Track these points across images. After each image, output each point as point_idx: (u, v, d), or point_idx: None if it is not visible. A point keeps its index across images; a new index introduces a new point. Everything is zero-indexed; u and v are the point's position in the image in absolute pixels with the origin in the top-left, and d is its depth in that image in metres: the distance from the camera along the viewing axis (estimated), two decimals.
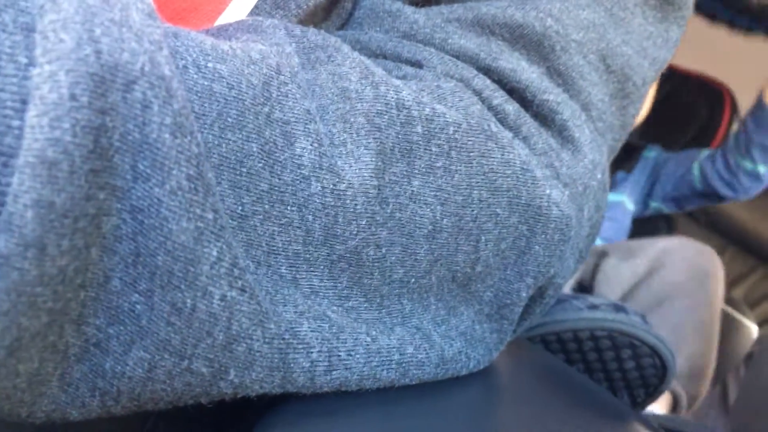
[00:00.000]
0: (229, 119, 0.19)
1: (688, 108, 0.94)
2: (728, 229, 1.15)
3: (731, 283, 1.18)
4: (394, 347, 0.24)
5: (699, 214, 0.95)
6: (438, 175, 0.23)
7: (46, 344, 0.16)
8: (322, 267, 0.22)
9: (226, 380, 0.19)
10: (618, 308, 0.50)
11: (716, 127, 0.91)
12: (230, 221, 0.19)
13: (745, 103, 0.97)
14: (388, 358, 0.24)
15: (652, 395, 0.50)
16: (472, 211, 0.24)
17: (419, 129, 0.23)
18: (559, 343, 0.49)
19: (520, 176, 0.25)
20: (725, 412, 0.67)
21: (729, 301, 0.95)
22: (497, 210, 0.25)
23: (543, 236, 0.27)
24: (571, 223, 0.28)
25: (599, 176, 0.31)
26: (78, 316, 0.16)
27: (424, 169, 0.23)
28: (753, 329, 0.95)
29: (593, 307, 0.49)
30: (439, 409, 0.26)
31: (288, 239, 0.21)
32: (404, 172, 0.23)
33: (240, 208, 0.19)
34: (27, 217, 0.14)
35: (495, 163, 0.25)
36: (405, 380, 0.25)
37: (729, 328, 0.94)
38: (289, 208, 0.20)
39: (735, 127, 0.93)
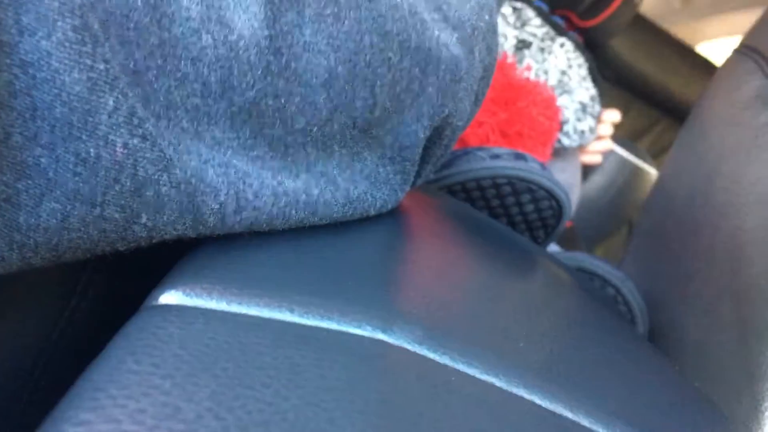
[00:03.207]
0: None
1: None
2: (634, 83, 1.20)
3: (637, 135, 1.24)
4: (300, 189, 0.26)
5: (606, 70, 0.97)
6: (328, 22, 0.24)
7: None
8: (223, 119, 0.22)
9: (139, 224, 0.20)
10: (518, 156, 0.53)
11: None
12: (124, 77, 0.19)
13: None
14: (295, 199, 0.25)
15: (550, 234, 0.55)
16: (365, 56, 0.25)
17: None
18: (464, 192, 0.52)
19: (409, 20, 0.26)
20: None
21: (634, 151, 1.01)
22: (389, 54, 0.26)
23: (435, 78, 0.28)
24: (462, 64, 0.30)
25: (487, 17, 0.32)
26: None
27: (314, 17, 0.23)
28: (655, 176, 1.00)
29: (495, 156, 0.52)
30: (351, 241, 0.28)
31: (185, 93, 0.21)
32: (295, 22, 0.23)
33: (132, 63, 0.20)
34: None
35: (383, 8, 0.25)
36: (315, 219, 0.27)
37: (634, 176, 1.00)
38: (183, 62, 0.21)
39: None
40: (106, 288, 0.30)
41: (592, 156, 0.92)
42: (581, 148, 0.91)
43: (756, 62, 0.58)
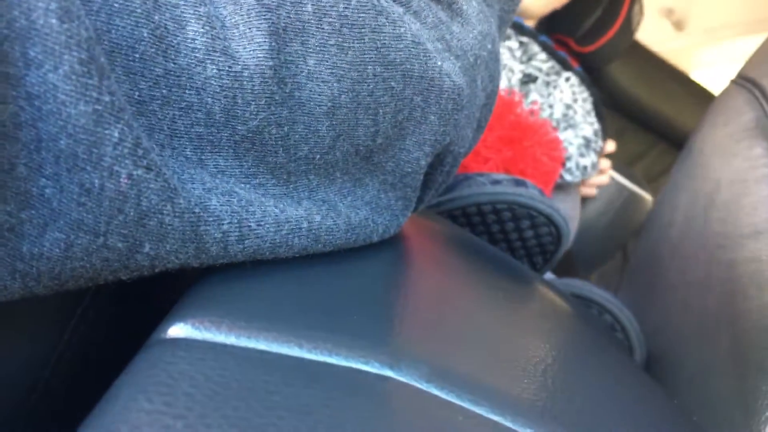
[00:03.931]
0: (116, 5, 0.19)
1: None
2: (630, 108, 1.21)
3: (633, 160, 1.25)
4: (302, 217, 0.26)
5: (602, 95, 0.98)
6: (332, 52, 0.24)
7: None
8: (226, 147, 0.23)
9: (142, 253, 0.20)
10: (518, 182, 0.53)
11: (619, 7, 0.93)
12: (128, 107, 0.19)
13: None
14: (297, 226, 0.25)
15: (549, 261, 0.55)
16: (368, 85, 0.25)
17: (309, 8, 0.23)
18: (464, 217, 0.52)
19: (412, 50, 0.26)
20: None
21: (630, 176, 1.01)
22: (392, 83, 0.26)
23: (437, 106, 0.29)
24: (464, 93, 0.30)
25: (489, 47, 0.32)
26: None
27: (318, 48, 0.24)
28: (651, 201, 1.01)
29: (496, 182, 0.53)
30: (355, 270, 0.28)
31: (190, 122, 0.21)
32: (299, 52, 0.23)
33: (137, 93, 0.20)
34: None
35: (387, 38, 0.25)
36: (318, 246, 0.27)
37: (630, 202, 1.00)
38: (187, 91, 0.21)
39: (637, 7, 0.95)
40: (106, 312, 0.30)
41: (589, 189, 0.93)
42: (582, 181, 0.92)
43: (752, 94, 0.59)
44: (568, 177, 0.81)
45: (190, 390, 0.16)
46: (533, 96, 0.80)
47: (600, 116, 0.87)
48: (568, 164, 0.81)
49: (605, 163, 0.92)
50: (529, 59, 0.83)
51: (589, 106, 0.85)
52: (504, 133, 0.71)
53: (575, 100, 0.83)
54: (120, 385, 0.16)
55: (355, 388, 0.18)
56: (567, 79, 0.84)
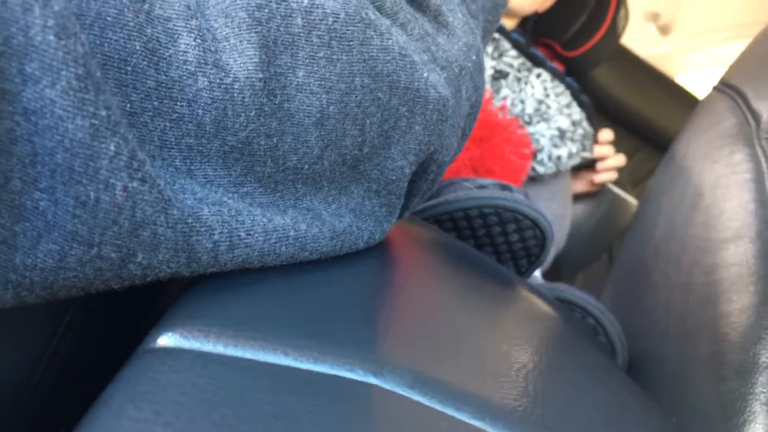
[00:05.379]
0: (109, 18, 0.19)
1: None
2: (614, 112, 1.22)
3: None
4: (289, 225, 0.26)
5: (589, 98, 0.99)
6: (321, 65, 0.24)
7: None
8: (215, 158, 0.23)
9: (135, 263, 0.21)
10: (504, 187, 0.54)
11: (605, 11, 0.94)
12: (123, 120, 0.19)
13: None
14: (284, 235, 0.26)
15: (534, 264, 0.56)
16: (356, 97, 0.26)
17: (299, 21, 0.24)
18: (451, 221, 0.53)
19: (399, 61, 0.27)
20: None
21: (615, 181, 1.02)
22: (379, 94, 0.27)
23: (422, 117, 0.29)
24: (449, 103, 0.30)
25: (474, 58, 0.33)
26: None
27: (307, 60, 0.24)
28: (635, 205, 1.02)
29: (481, 187, 0.53)
30: (341, 278, 0.28)
31: (180, 133, 0.22)
32: (288, 64, 0.24)
33: (128, 105, 0.20)
34: None
35: (374, 50, 0.26)
36: (305, 254, 0.27)
37: (614, 205, 1.01)
38: (178, 103, 0.21)
39: (622, 11, 0.96)
40: (94, 318, 0.30)
41: (606, 174, 0.94)
42: (593, 168, 0.93)
43: (734, 100, 0.60)
44: (540, 169, 0.81)
45: (178, 398, 0.16)
46: (504, 92, 0.81)
47: (582, 105, 0.87)
48: (540, 156, 0.81)
49: (604, 150, 0.92)
50: (500, 55, 0.83)
51: (565, 99, 0.85)
52: (474, 132, 0.72)
53: (547, 96, 0.84)
54: (109, 394, 0.16)
55: (340, 395, 0.19)
56: (538, 75, 0.84)
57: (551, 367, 0.30)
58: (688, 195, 0.59)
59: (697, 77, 1.59)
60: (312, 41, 0.24)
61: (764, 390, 0.41)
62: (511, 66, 0.83)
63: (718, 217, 0.52)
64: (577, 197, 0.99)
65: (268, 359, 0.19)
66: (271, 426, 0.16)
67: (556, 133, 0.82)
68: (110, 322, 0.31)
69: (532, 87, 0.83)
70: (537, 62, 0.86)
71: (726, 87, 0.62)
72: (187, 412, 0.16)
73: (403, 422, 0.19)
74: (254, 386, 0.18)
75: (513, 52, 0.84)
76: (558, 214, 0.86)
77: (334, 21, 0.25)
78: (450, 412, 0.20)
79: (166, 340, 0.19)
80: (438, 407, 0.20)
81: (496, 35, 0.84)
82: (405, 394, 0.20)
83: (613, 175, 0.95)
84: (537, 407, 0.24)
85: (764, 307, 0.44)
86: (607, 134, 0.94)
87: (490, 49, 0.83)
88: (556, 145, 0.82)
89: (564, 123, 0.83)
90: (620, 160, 0.94)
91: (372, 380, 0.20)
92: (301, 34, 0.24)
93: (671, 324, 0.53)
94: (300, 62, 0.24)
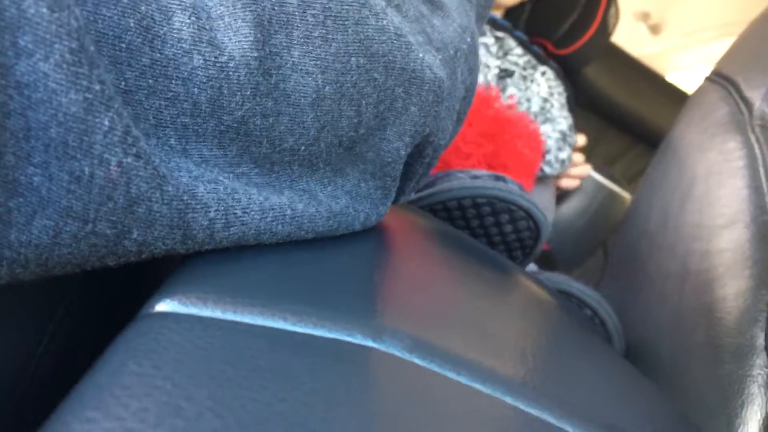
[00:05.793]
0: None
1: None
2: (608, 110, 1.23)
3: (611, 161, 1.27)
4: (286, 204, 0.26)
5: (580, 97, 1.00)
6: (316, 44, 0.24)
7: None
8: (211, 137, 0.23)
9: (130, 239, 0.20)
10: (497, 177, 0.54)
11: (595, 10, 0.95)
12: (117, 96, 0.19)
13: None
14: (281, 214, 0.26)
15: (528, 255, 0.56)
16: (352, 77, 0.26)
17: (294, 0, 0.24)
18: (445, 211, 0.53)
19: (395, 42, 0.27)
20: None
21: (608, 175, 1.03)
22: (375, 75, 0.27)
23: (418, 98, 0.29)
24: (444, 85, 0.30)
25: (469, 40, 0.33)
26: None
27: (302, 39, 0.24)
28: (629, 200, 1.02)
29: (475, 177, 0.53)
30: (338, 255, 0.28)
31: (175, 112, 0.22)
32: (284, 44, 0.24)
33: (123, 83, 0.20)
34: None
35: (370, 30, 0.26)
36: (301, 233, 0.27)
37: (609, 200, 1.02)
38: (173, 82, 0.21)
39: (612, 9, 0.97)
40: (90, 304, 0.30)
41: (571, 181, 0.94)
42: (563, 174, 0.93)
43: (726, 90, 0.60)
44: (548, 170, 0.82)
45: (178, 356, 0.16)
46: (510, 90, 0.81)
47: (571, 111, 0.88)
48: (548, 157, 0.82)
49: (579, 157, 0.93)
50: (505, 54, 0.84)
51: (563, 99, 0.86)
52: (484, 128, 0.72)
53: (551, 94, 0.84)
54: (110, 352, 0.16)
55: (339, 356, 0.19)
56: (543, 73, 0.85)
57: (550, 344, 0.30)
58: (682, 184, 0.59)
59: (687, 76, 1.60)
60: (307, 20, 0.24)
61: (761, 372, 0.41)
62: (516, 64, 0.83)
63: (711, 204, 0.53)
64: (572, 193, 0.99)
65: (267, 323, 0.19)
66: (269, 380, 0.16)
67: (559, 136, 0.83)
68: (108, 307, 0.31)
69: (538, 85, 0.84)
70: (540, 59, 0.86)
71: (718, 77, 0.62)
72: (187, 367, 0.16)
73: (401, 382, 0.19)
74: (252, 346, 0.18)
75: (518, 50, 0.85)
76: (547, 208, 0.86)
77: (329, 0, 0.25)
78: (449, 374, 0.20)
79: (165, 306, 0.19)
80: (437, 369, 0.20)
81: (500, 34, 0.85)
82: (404, 357, 0.20)
83: (575, 183, 0.96)
84: (536, 376, 0.24)
85: (760, 290, 0.44)
86: (580, 139, 0.95)
87: (495, 48, 0.84)
88: (560, 148, 0.83)
89: (564, 126, 0.84)
90: (585, 169, 0.95)
91: (371, 344, 0.20)
92: (296, 13, 0.24)
93: (667, 313, 0.53)
94: (295, 41, 0.24)
